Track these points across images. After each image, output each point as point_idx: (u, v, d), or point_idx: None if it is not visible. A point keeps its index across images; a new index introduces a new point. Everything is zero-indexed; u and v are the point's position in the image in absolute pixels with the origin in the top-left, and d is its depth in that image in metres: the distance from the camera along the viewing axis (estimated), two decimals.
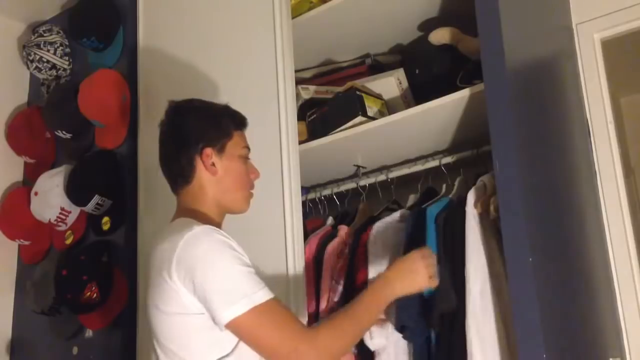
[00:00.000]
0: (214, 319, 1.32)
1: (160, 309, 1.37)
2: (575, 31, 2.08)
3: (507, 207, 1.45)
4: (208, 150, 1.49)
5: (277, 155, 1.81)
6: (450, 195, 1.84)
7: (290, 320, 1.34)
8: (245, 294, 1.31)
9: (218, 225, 1.50)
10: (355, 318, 1.40)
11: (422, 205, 1.83)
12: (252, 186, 1.56)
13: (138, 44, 2.23)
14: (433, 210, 1.75)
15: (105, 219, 2.21)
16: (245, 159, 1.55)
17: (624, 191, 1.96)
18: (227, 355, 1.34)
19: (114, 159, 2.23)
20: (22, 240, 2.47)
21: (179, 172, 1.51)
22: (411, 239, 1.73)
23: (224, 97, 1.90)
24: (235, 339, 1.34)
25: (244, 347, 1.34)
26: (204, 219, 1.46)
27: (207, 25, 2.07)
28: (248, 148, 1.56)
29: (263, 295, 1.32)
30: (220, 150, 1.50)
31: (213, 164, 1.49)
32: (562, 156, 1.85)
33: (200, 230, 1.37)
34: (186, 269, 1.33)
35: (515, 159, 1.47)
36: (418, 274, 1.48)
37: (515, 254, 1.42)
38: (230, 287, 1.32)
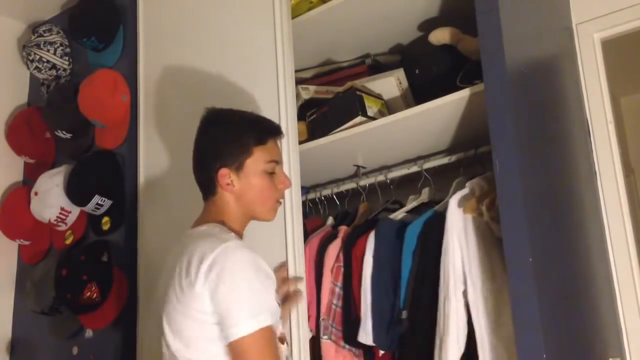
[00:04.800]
0: (224, 332, 1.35)
1: (179, 311, 1.39)
2: (575, 31, 2.08)
3: (507, 207, 1.45)
4: (223, 171, 1.51)
5: None
6: (440, 204, 1.86)
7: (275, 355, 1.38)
8: (256, 313, 1.34)
9: (240, 230, 1.54)
10: None
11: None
12: (279, 196, 1.57)
13: (138, 44, 2.23)
14: (414, 228, 1.78)
15: (105, 219, 2.22)
16: (270, 173, 1.54)
17: (624, 191, 1.96)
18: None
19: (114, 159, 2.23)
20: (22, 240, 2.47)
21: (203, 185, 1.56)
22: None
23: (224, 97, 1.91)
24: None
25: None
26: (230, 228, 1.50)
27: (207, 25, 2.07)
28: (276, 161, 1.55)
29: (265, 319, 1.35)
30: (238, 168, 1.51)
31: (229, 183, 1.51)
32: (562, 156, 1.85)
33: (233, 244, 1.40)
34: (214, 277, 1.35)
35: (515, 159, 1.47)
36: None
37: (515, 254, 1.42)
38: (247, 305, 1.35)
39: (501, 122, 1.50)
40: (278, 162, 1.57)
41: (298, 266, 1.74)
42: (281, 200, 1.60)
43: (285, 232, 1.75)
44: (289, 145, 1.81)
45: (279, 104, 1.84)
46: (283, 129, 1.81)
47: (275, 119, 1.80)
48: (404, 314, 1.71)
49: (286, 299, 1.65)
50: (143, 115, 2.16)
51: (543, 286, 1.43)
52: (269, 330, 1.35)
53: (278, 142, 1.60)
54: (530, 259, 1.40)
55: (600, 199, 1.96)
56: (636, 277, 1.90)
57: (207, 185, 1.54)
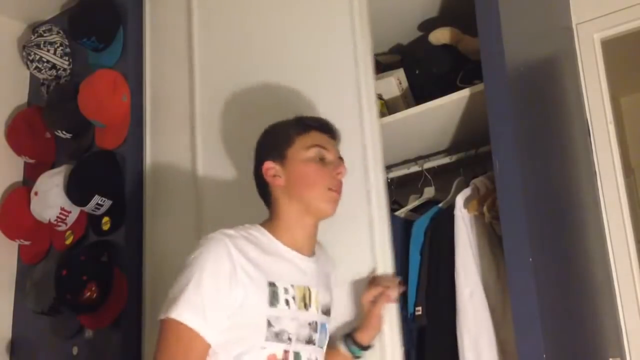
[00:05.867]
0: None
1: None
2: (575, 31, 2.08)
3: (507, 207, 1.45)
4: (267, 164, 1.46)
5: (358, 136, 1.66)
6: (443, 202, 1.85)
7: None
8: (179, 304, 1.28)
9: (297, 233, 1.45)
10: None
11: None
12: (331, 184, 1.45)
13: (144, 41, 2.20)
14: (421, 223, 1.77)
15: (105, 219, 2.21)
16: (316, 160, 1.45)
17: (624, 191, 1.96)
18: None
19: (114, 159, 2.23)
20: (22, 240, 2.47)
21: (260, 193, 1.51)
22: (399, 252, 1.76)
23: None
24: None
25: None
26: (273, 231, 1.44)
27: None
28: (320, 146, 1.46)
29: (180, 313, 1.28)
30: (282, 158, 1.46)
31: (275, 175, 1.46)
32: (562, 156, 1.85)
33: (214, 235, 1.36)
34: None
35: (515, 159, 1.47)
36: None
37: (515, 254, 1.42)
38: (175, 292, 1.31)
39: (501, 122, 1.50)
40: (324, 147, 1.46)
41: (385, 258, 1.59)
42: (335, 192, 1.45)
43: (371, 212, 1.61)
44: (372, 123, 1.66)
45: (359, 86, 1.69)
46: (364, 103, 1.67)
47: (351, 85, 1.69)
48: (419, 310, 1.69)
49: (375, 302, 1.52)
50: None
51: (543, 286, 1.43)
52: (183, 329, 1.27)
53: (326, 135, 1.50)
54: (530, 259, 1.40)
55: (600, 199, 1.96)
56: (636, 277, 1.90)
57: (262, 190, 1.49)
